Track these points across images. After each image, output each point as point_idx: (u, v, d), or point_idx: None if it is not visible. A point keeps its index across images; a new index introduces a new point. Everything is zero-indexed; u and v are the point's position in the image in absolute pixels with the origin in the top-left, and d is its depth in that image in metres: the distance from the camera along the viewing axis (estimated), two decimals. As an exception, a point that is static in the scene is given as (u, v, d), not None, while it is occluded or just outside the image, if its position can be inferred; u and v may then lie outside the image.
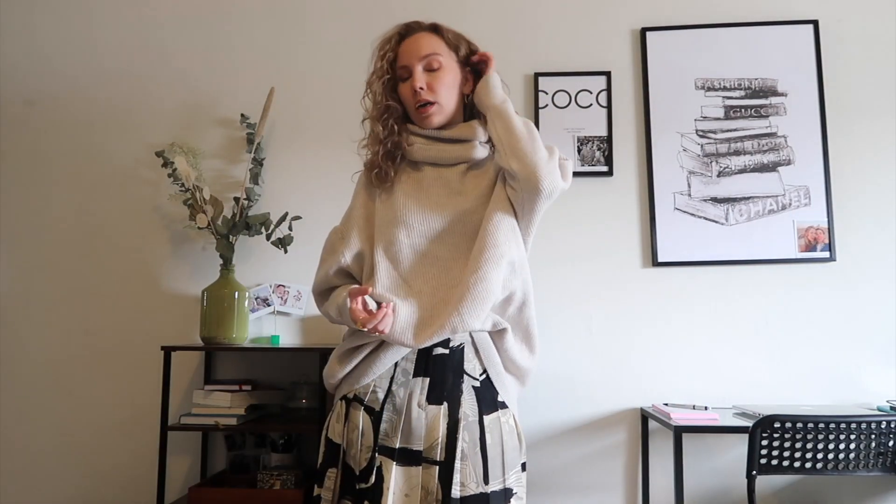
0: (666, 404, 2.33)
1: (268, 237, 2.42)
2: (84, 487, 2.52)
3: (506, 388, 1.41)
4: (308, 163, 2.61)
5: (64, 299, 2.60)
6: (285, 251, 2.41)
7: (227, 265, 2.39)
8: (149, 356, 2.51)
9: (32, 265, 2.62)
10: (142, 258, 2.60)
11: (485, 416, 1.34)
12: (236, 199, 2.45)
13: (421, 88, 1.41)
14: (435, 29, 1.47)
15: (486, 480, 1.29)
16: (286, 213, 2.44)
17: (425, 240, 1.39)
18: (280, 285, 2.53)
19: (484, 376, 1.38)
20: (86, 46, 2.71)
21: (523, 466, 1.39)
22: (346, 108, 2.55)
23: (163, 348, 2.23)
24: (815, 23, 2.57)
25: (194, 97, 2.67)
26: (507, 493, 1.31)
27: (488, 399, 1.37)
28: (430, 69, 1.42)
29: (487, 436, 1.32)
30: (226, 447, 2.44)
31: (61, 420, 2.55)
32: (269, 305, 2.51)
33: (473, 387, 1.36)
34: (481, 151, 1.47)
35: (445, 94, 1.43)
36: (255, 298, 2.50)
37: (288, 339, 2.54)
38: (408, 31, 1.47)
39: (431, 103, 1.42)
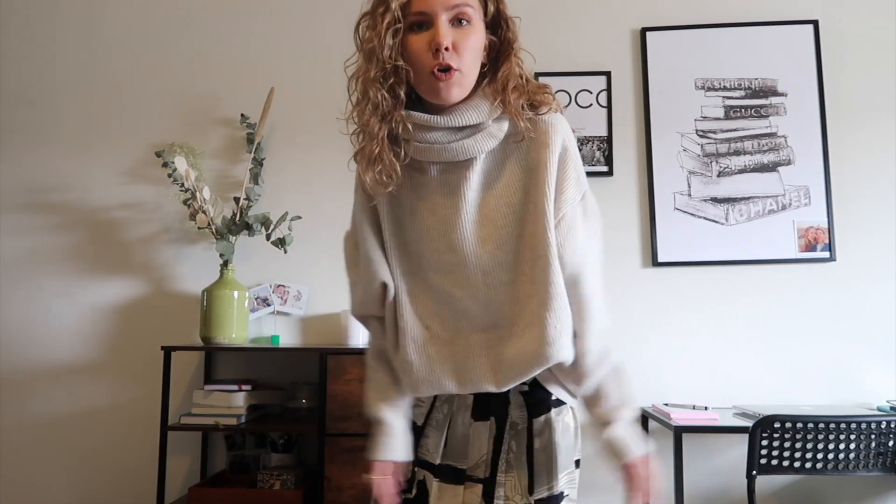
0: (666, 404, 2.33)
1: (268, 237, 2.42)
2: (84, 487, 2.52)
3: (557, 387, 1.21)
4: (308, 163, 2.61)
5: (64, 299, 2.60)
6: (285, 251, 2.41)
7: (227, 265, 2.39)
8: (149, 356, 2.51)
9: (32, 265, 2.62)
10: (142, 258, 2.60)
11: (535, 420, 1.19)
12: (236, 199, 2.45)
13: (446, 49, 1.04)
14: None
15: (530, 491, 1.17)
16: (286, 213, 2.44)
17: (436, 272, 1.16)
18: (280, 285, 2.53)
19: (531, 379, 1.19)
20: (86, 46, 2.71)
21: (577, 463, 1.23)
22: (345, 109, 2.56)
23: (163, 348, 2.23)
24: (815, 23, 2.57)
25: (194, 97, 2.66)
26: (553, 499, 1.17)
27: (540, 401, 1.20)
28: (456, 23, 1.07)
29: (536, 440, 1.18)
30: (226, 447, 2.44)
31: (61, 420, 2.55)
32: (269, 305, 2.51)
33: (521, 392, 1.20)
34: (495, 135, 1.12)
35: (471, 60, 1.08)
36: (255, 298, 2.50)
37: (288, 339, 2.54)
38: None
39: (454, 69, 1.06)
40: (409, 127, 1.09)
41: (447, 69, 1.05)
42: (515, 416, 1.19)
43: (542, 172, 1.12)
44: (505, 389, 1.15)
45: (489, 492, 1.16)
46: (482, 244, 1.13)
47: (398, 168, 1.10)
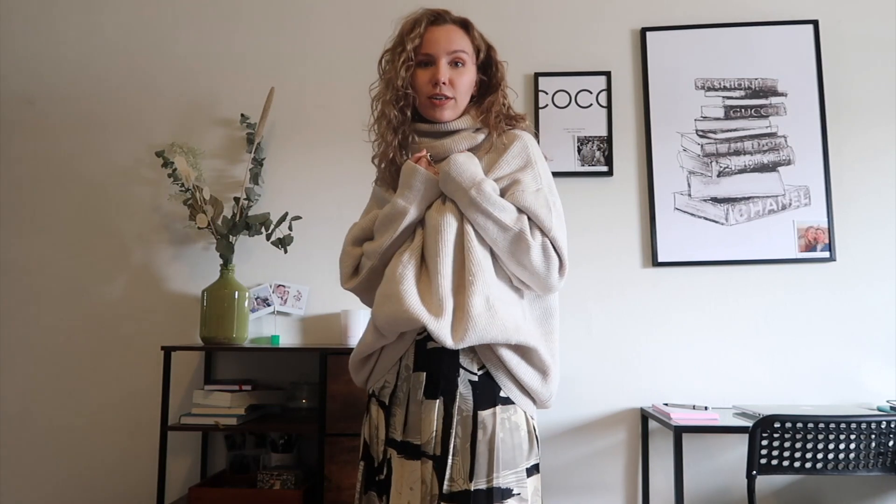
0: (666, 404, 2.33)
1: (268, 237, 2.42)
2: (84, 487, 2.52)
3: (509, 386, 1.35)
4: (308, 163, 2.61)
5: (64, 299, 2.60)
6: (285, 251, 2.41)
7: (227, 265, 2.39)
8: (149, 356, 2.51)
9: (32, 265, 2.62)
10: (142, 258, 2.60)
11: (480, 412, 1.31)
12: (236, 199, 2.45)
13: (444, 83, 1.41)
14: (465, 26, 1.47)
15: (470, 477, 1.27)
16: (286, 213, 2.44)
17: (418, 252, 1.39)
18: (280, 285, 2.53)
19: (483, 371, 1.34)
20: (86, 46, 2.71)
21: (530, 471, 1.32)
22: (345, 109, 2.57)
23: (163, 348, 2.23)
24: (815, 23, 2.57)
25: (194, 97, 2.67)
26: (494, 492, 1.26)
27: (487, 394, 1.33)
28: (453, 64, 1.43)
29: (479, 432, 1.29)
30: (226, 447, 2.44)
31: (61, 420, 2.55)
32: (269, 305, 2.51)
33: (470, 381, 1.33)
34: (470, 140, 1.44)
35: (463, 92, 1.44)
36: (255, 298, 2.50)
37: (288, 339, 2.54)
38: (437, 18, 1.46)
39: (449, 98, 1.42)
40: (414, 135, 1.45)
41: (442, 97, 1.42)
42: (462, 402, 1.31)
43: (492, 163, 1.41)
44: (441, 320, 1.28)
45: (439, 469, 1.28)
46: (449, 225, 1.37)
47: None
